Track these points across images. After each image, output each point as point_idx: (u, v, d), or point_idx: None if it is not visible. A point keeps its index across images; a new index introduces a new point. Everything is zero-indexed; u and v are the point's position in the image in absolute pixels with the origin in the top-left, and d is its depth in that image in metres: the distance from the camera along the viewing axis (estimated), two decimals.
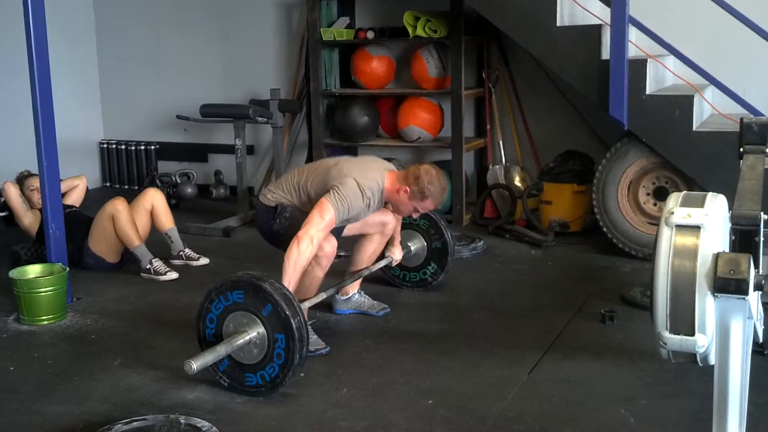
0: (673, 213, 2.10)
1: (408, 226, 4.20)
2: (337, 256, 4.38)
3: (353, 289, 3.95)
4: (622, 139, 4.74)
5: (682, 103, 4.48)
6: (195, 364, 2.84)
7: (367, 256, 3.91)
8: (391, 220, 3.88)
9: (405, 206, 3.60)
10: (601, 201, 4.80)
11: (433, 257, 4.26)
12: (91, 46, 7.43)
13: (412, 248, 4.22)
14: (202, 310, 3.10)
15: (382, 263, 4.00)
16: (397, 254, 4.03)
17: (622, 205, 4.77)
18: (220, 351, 2.94)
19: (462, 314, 3.95)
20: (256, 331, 2.98)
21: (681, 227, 2.05)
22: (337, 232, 3.63)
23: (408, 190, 3.54)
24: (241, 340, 2.96)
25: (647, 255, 4.53)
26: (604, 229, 4.81)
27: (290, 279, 3.22)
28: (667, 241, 2.07)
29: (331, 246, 3.44)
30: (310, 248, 3.27)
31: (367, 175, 3.53)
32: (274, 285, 2.98)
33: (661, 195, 4.70)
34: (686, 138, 4.48)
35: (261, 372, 3.00)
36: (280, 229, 3.59)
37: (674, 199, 2.23)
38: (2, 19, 6.20)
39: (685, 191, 2.19)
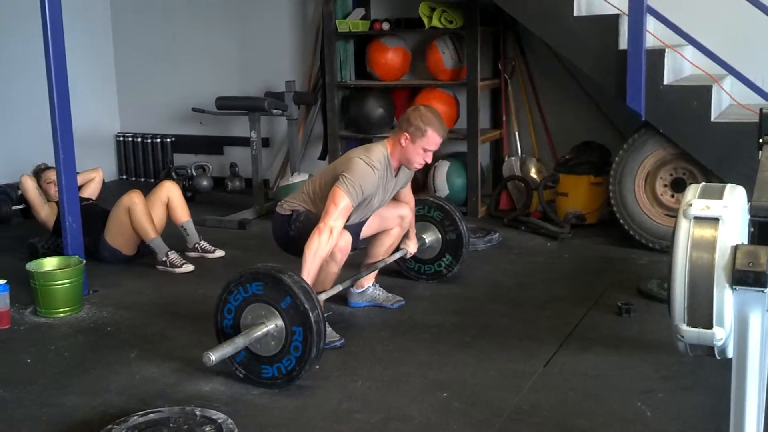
0: (691, 205, 2.08)
1: (422, 218, 4.19)
2: (353, 248, 4.36)
3: (368, 281, 3.95)
4: (640, 129, 4.70)
5: (701, 94, 4.44)
6: (214, 356, 2.84)
7: (384, 249, 3.91)
8: (408, 213, 3.87)
9: (414, 154, 3.55)
10: (617, 193, 4.76)
11: (447, 249, 4.24)
12: (107, 39, 7.46)
13: (426, 240, 4.21)
14: (221, 300, 3.10)
15: (397, 255, 4.00)
16: (411, 247, 4.03)
17: (639, 196, 4.73)
18: (239, 343, 2.94)
19: (477, 306, 3.93)
20: (274, 324, 2.98)
21: (699, 219, 2.03)
22: (354, 232, 3.64)
23: (407, 135, 3.52)
24: (259, 332, 2.97)
25: (664, 247, 4.49)
26: (621, 221, 4.78)
27: (309, 270, 3.22)
28: (685, 233, 2.04)
29: (345, 241, 3.43)
30: (330, 239, 3.27)
31: (371, 150, 3.56)
32: (294, 278, 2.98)
33: (678, 186, 4.66)
34: (704, 129, 4.43)
35: (277, 364, 3.01)
36: (295, 234, 3.59)
37: (692, 191, 2.20)
38: (19, 12, 6.23)
39: (703, 183, 2.16)
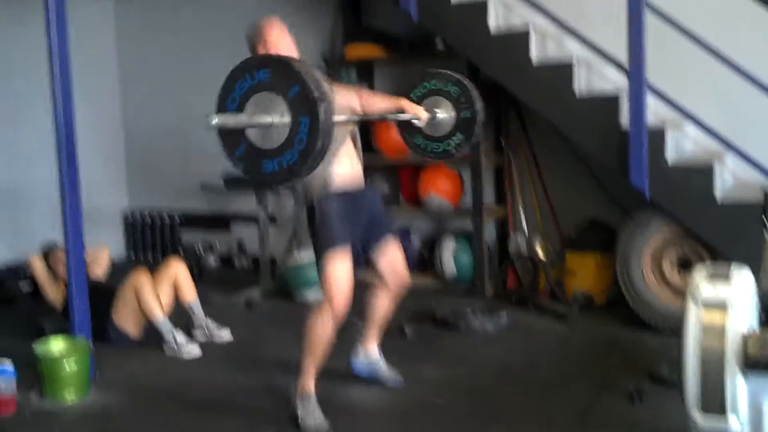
0: (698, 289, 2.08)
1: (438, 92, 3.95)
2: (352, 322, 4.32)
3: (377, 352, 3.95)
4: (644, 208, 4.72)
5: (704, 172, 4.47)
6: (216, 119, 2.72)
7: (384, 315, 3.89)
8: (404, 275, 3.82)
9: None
10: (625, 272, 4.75)
11: (459, 127, 3.96)
12: (116, 120, 7.60)
13: (438, 115, 3.95)
14: (226, 91, 2.89)
15: (407, 117, 3.80)
16: (422, 113, 3.83)
17: (647, 276, 4.71)
18: (241, 119, 2.78)
19: (486, 389, 3.87)
20: (279, 113, 2.77)
21: (708, 304, 2.03)
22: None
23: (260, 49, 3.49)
24: (263, 118, 2.78)
25: (674, 328, 4.45)
26: (629, 301, 4.74)
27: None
28: (695, 318, 2.04)
29: (342, 272, 3.43)
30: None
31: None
32: (304, 66, 2.80)
33: (685, 266, 4.63)
34: (709, 207, 4.44)
35: (279, 158, 2.80)
36: (312, 231, 3.55)
37: (699, 274, 2.20)
38: (30, 92, 6.36)
39: (710, 266, 2.17)
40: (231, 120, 2.78)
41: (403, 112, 3.77)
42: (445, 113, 3.95)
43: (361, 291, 3.79)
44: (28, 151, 6.53)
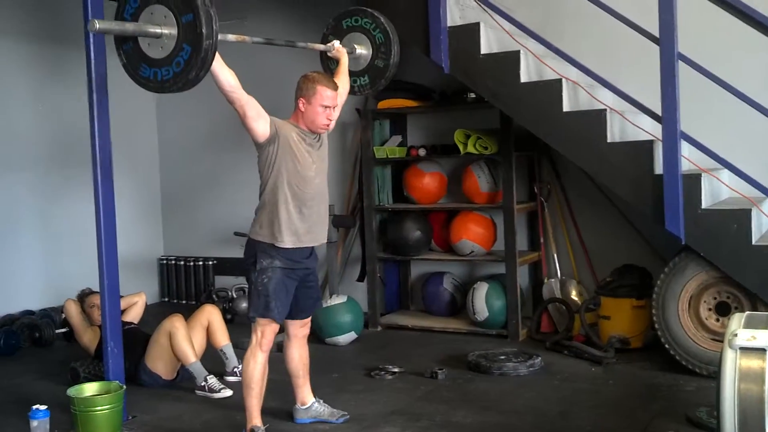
0: (736, 335, 2.05)
1: (365, 32, 4.21)
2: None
3: (311, 397, 4.04)
4: (680, 253, 4.67)
5: (740, 217, 4.41)
6: (99, 25, 2.93)
7: (301, 362, 4.03)
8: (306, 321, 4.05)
9: (314, 114, 3.70)
10: (661, 316, 4.68)
11: (369, 71, 4.26)
12: (154, 167, 7.75)
13: (356, 50, 4.22)
14: None
15: (322, 47, 4.12)
16: (337, 43, 4.15)
17: (684, 320, 4.63)
18: (128, 27, 3.01)
19: None
20: (169, 31, 2.99)
21: (746, 350, 2.00)
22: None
23: (302, 99, 3.70)
24: (152, 29, 2.99)
25: (712, 372, 4.36)
26: (666, 346, 4.67)
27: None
28: (732, 364, 2.01)
29: (271, 329, 3.69)
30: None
31: None
32: (206, 2, 2.98)
33: (723, 310, 4.56)
34: (746, 252, 4.38)
35: (156, 69, 3.05)
36: (252, 284, 3.78)
37: (737, 320, 2.17)
38: (65, 136, 6.52)
39: (747, 312, 2.14)
40: (116, 27, 3.01)
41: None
42: (363, 52, 4.24)
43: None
44: (66, 196, 6.66)
